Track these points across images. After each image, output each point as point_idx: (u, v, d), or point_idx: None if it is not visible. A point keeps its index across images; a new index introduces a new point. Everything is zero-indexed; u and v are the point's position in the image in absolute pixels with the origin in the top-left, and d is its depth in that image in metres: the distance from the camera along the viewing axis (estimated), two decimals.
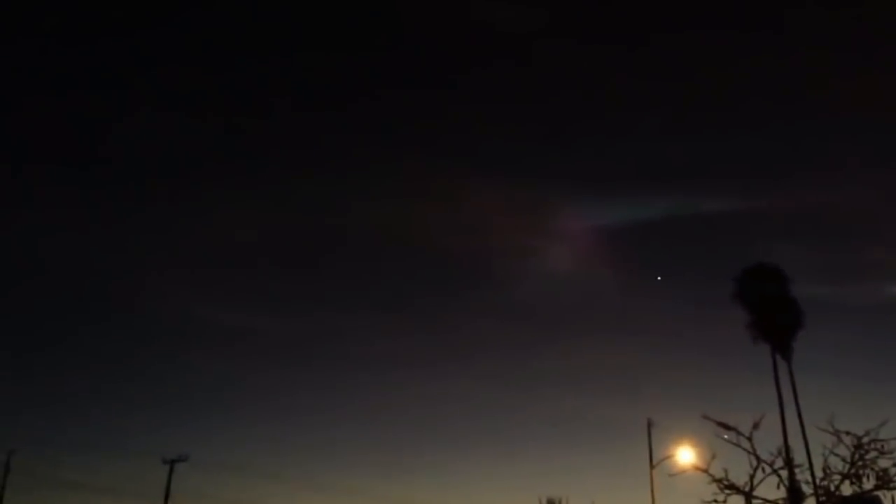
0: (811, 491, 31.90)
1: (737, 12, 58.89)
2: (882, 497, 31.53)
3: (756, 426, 32.86)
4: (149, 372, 62.53)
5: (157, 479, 41.17)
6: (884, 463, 31.23)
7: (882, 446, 31.31)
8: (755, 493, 32.40)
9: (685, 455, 34.95)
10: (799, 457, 32.22)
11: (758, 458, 32.44)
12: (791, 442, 32.58)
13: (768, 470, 32.34)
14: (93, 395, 60.95)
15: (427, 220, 63.18)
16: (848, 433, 31.84)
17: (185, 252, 63.08)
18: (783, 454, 32.29)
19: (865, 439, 31.58)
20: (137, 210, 62.52)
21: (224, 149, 64.00)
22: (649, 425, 36.70)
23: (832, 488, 31.81)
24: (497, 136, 62.21)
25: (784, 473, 32.15)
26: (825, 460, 31.98)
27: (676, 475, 34.61)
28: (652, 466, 35.73)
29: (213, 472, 49.87)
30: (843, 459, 31.74)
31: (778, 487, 32.10)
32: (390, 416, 60.02)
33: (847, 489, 31.79)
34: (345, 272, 66.03)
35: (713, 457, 33.25)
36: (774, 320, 34.49)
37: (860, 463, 31.51)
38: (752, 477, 32.45)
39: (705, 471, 33.09)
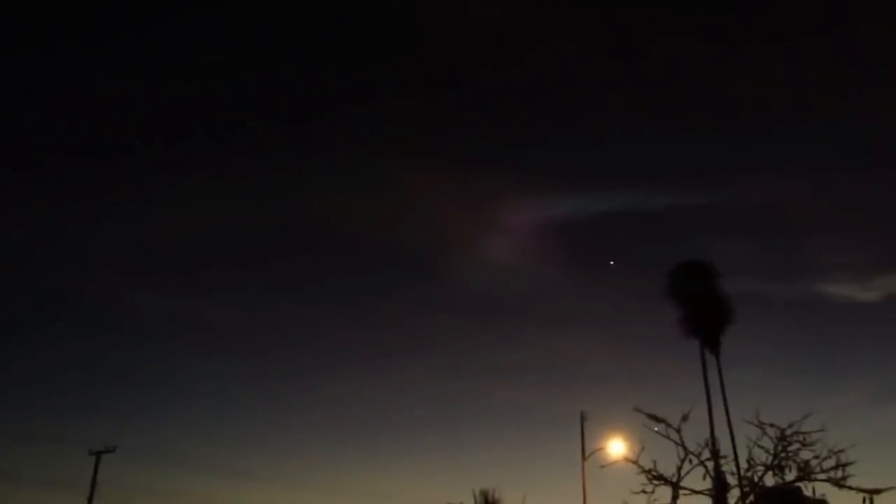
0: (736, 482, 32.68)
1: (683, 20, 60.01)
2: (803, 488, 32.38)
3: (685, 418, 33.55)
4: (87, 362, 60.77)
5: (86, 470, 40.04)
6: (805, 455, 32.12)
7: (804, 438, 32.19)
8: (682, 483, 33.08)
9: (616, 447, 35.38)
10: (725, 448, 33.00)
11: (685, 450, 33.13)
12: (718, 434, 33.31)
13: (695, 461, 33.06)
14: (26, 386, 59.11)
15: (373, 213, 62.91)
16: (772, 426, 32.72)
17: (126, 241, 61.53)
18: (710, 446, 32.95)
19: (789, 432, 32.46)
20: (75, 198, 60.50)
21: (169, 139, 62.49)
22: (582, 418, 36.99)
23: (756, 479, 32.58)
24: (444, 128, 62.17)
25: (710, 465, 32.81)
26: (750, 452, 32.83)
27: (607, 466, 35.03)
28: (584, 458, 36.03)
29: (146, 462, 49.06)
30: (767, 451, 32.61)
31: (704, 478, 32.76)
32: (332, 407, 59.81)
33: (770, 480, 32.67)
34: (291, 264, 65.27)
35: (642, 448, 33.77)
36: (704, 315, 35.16)
37: (783, 455, 32.34)
38: (679, 468, 33.14)
39: (634, 462, 33.62)
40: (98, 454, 39.67)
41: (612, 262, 60.17)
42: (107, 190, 61.17)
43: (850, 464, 31.25)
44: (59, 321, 61.36)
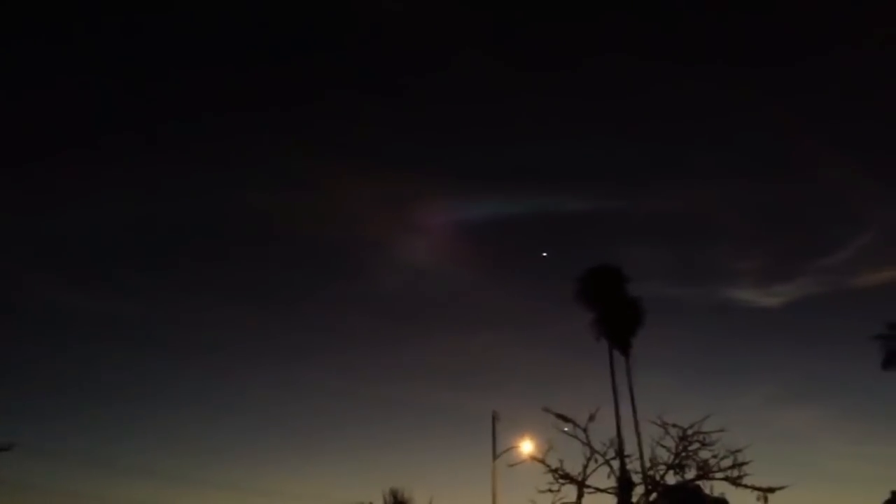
0: (641, 480, 33.55)
1: (604, 32, 61.32)
2: (703, 486, 33.42)
3: (591, 418, 34.24)
4: None
5: None
6: (705, 454, 33.11)
7: (704, 438, 33.20)
8: (588, 482, 33.69)
9: (526, 446, 35.74)
10: (632, 447, 33.83)
11: (591, 449, 33.77)
12: (625, 433, 34.15)
13: (601, 460, 33.74)
14: None
15: (294, 210, 62.13)
16: (674, 426, 33.63)
17: (39, 237, 58.92)
18: (615, 445, 33.75)
19: (690, 432, 33.43)
20: None
21: (90, 133, 60.32)
22: (494, 418, 37.25)
23: (658, 478, 33.46)
24: (365, 129, 61.87)
25: (616, 464, 33.61)
26: (652, 451, 33.69)
27: (515, 465, 35.34)
28: (495, 457, 36.27)
29: (47, 462, 47.04)
30: (669, 450, 33.50)
31: (609, 477, 33.53)
32: (244, 406, 58.83)
33: (672, 479, 33.60)
34: (211, 261, 63.97)
35: (549, 448, 34.24)
36: (614, 318, 36.03)
37: (684, 454, 33.29)
38: (585, 467, 33.74)
39: (542, 461, 34.04)
40: None
41: (545, 254, 61.06)
42: (21, 185, 58.63)
43: (747, 463, 32.41)
44: None
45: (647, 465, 33.43)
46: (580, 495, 33.36)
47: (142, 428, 57.04)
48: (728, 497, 33.61)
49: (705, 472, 32.93)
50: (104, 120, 60.34)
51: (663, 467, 33.40)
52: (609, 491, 33.36)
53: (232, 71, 61.81)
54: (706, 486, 33.18)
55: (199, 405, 58.89)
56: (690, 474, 33.18)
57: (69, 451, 49.40)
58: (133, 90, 60.28)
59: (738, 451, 32.45)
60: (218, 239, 64.13)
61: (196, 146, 62.39)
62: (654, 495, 33.43)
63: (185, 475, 51.56)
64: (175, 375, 59.54)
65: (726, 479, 32.41)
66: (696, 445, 33.18)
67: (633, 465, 33.63)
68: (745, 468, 32.27)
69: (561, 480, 33.45)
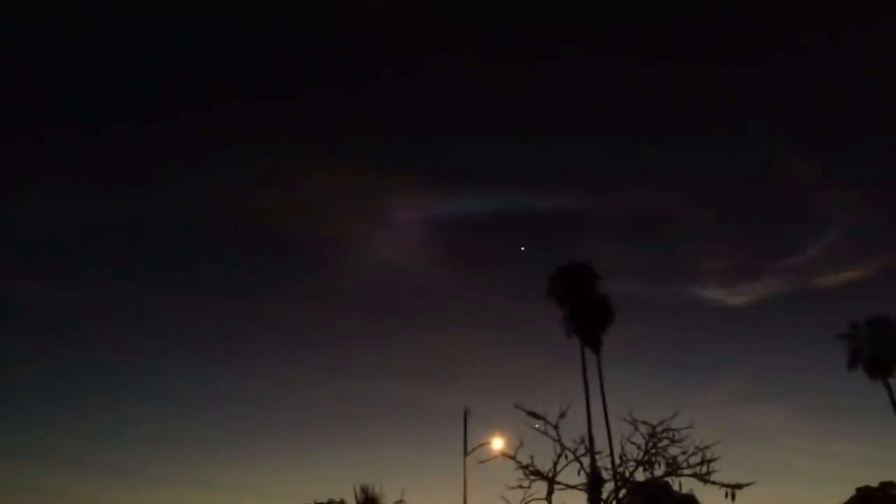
0: (610, 477, 33.68)
1: (575, 31, 61.54)
2: (671, 482, 33.67)
3: (562, 415, 34.24)
4: None
5: None
6: (674, 451, 33.28)
7: (673, 435, 33.40)
8: (558, 478, 33.72)
9: (497, 443, 35.71)
10: (602, 444, 34.00)
11: (562, 446, 33.82)
12: (596, 430, 34.32)
13: (571, 457, 33.79)
14: None
15: (263, 206, 61.77)
16: (644, 422, 33.81)
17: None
18: (586, 442, 33.84)
19: (659, 428, 33.61)
20: None
21: (50, 124, 59.26)
22: (465, 414, 37.19)
23: (627, 474, 33.62)
24: (337, 123, 61.60)
25: (586, 460, 33.69)
26: (622, 448, 33.87)
27: (486, 461, 35.28)
28: (466, 454, 36.21)
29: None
30: (639, 447, 33.65)
31: (579, 473, 33.58)
32: (211, 402, 58.30)
33: (641, 475, 33.79)
34: (174, 255, 63.27)
35: (520, 444, 34.25)
36: (585, 316, 36.22)
37: (653, 451, 33.46)
38: (555, 463, 33.75)
39: (512, 458, 34.03)
40: None
41: (522, 248, 61.30)
42: None
43: (715, 460, 32.60)
44: None
45: (617, 461, 33.66)
46: (550, 492, 33.35)
47: (105, 423, 56.40)
48: (696, 493, 33.98)
49: (674, 468, 33.09)
50: (62, 112, 59.41)
51: (633, 464, 33.57)
52: (579, 487, 33.42)
53: (199, 65, 61.33)
54: (675, 483, 33.52)
55: (162, 401, 58.37)
56: (659, 471, 33.38)
57: (30, 447, 48.65)
58: (95, 83, 59.47)
59: (706, 447, 32.68)
60: (183, 234, 63.54)
61: (162, 140, 61.71)
62: (623, 492, 33.60)
63: (145, 470, 51.07)
64: (137, 371, 58.92)
65: (694, 475, 32.60)
66: (665, 442, 33.41)
67: (604, 462, 33.97)
68: (712, 465, 32.47)
69: (531, 477, 33.42)
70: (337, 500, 37.44)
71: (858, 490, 39.56)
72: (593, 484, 33.29)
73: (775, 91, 64.46)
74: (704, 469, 32.48)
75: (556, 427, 34.07)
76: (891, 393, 41.34)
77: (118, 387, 58.47)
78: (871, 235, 66.33)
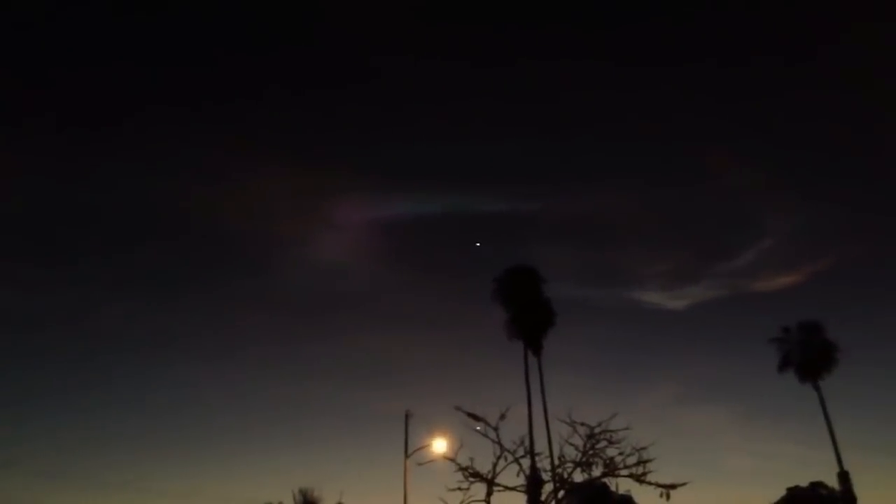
0: (549, 478, 33.97)
1: (528, 35, 62.12)
2: (609, 483, 34.12)
3: (502, 417, 34.45)
4: None
5: None
6: (612, 452, 33.78)
7: (611, 436, 33.90)
8: (497, 480, 33.88)
9: (439, 445, 35.68)
10: (542, 446, 34.27)
11: (502, 448, 33.99)
12: (536, 432, 34.57)
13: (511, 458, 34.00)
14: None
15: (205, 204, 60.72)
16: (583, 424, 34.22)
17: None
18: (526, 444, 34.10)
19: (597, 430, 34.06)
20: None
21: None
22: (407, 416, 37.08)
23: (566, 475, 33.96)
24: (283, 123, 61.03)
25: (526, 462, 33.94)
26: (561, 449, 34.22)
27: (425, 464, 35.23)
28: (406, 456, 36.09)
29: None
30: (577, 448, 34.04)
31: (518, 475, 33.81)
32: (147, 404, 57.06)
33: (580, 476, 34.18)
34: (116, 252, 61.78)
35: (460, 446, 34.31)
36: (528, 319, 36.49)
37: (591, 452, 33.89)
38: (495, 465, 33.91)
39: (452, 460, 34.05)
40: None
41: (478, 244, 61.49)
42: None
43: (651, 460, 33.23)
44: None
45: (556, 462, 33.97)
46: (489, 493, 33.50)
47: (37, 425, 54.70)
48: (633, 494, 34.47)
49: (611, 469, 33.57)
50: (5, 110, 57.57)
51: (571, 465, 33.97)
52: (518, 489, 33.64)
53: (145, 65, 60.07)
54: (612, 484, 33.97)
55: (97, 402, 56.89)
56: (597, 472, 33.83)
57: None
58: (45, 80, 57.83)
59: (643, 448, 33.29)
60: (127, 233, 62.10)
61: (108, 139, 60.25)
62: (561, 493, 33.93)
63: (78, 474, 49.61)
64: (73, 373, 57.33)
65: (631, 476, 33.15)
66: (603, 443, 33.91)
67: (543, 464, 34.17)
68: (649, 465, 33.11)
69: (471, 479, 33.51)
70: (275, 503, 36.98)
71: (789, 490, 40.54)
72: (532, 485, 33.52)
73: (714, 98, 66.14)
74: (641, 470, 33.14)
75: (496, 429, 34.28)
76: (820, 395, 42.59)
77: (52, 391, 56.66)
78: (806, 242, 68.47)
